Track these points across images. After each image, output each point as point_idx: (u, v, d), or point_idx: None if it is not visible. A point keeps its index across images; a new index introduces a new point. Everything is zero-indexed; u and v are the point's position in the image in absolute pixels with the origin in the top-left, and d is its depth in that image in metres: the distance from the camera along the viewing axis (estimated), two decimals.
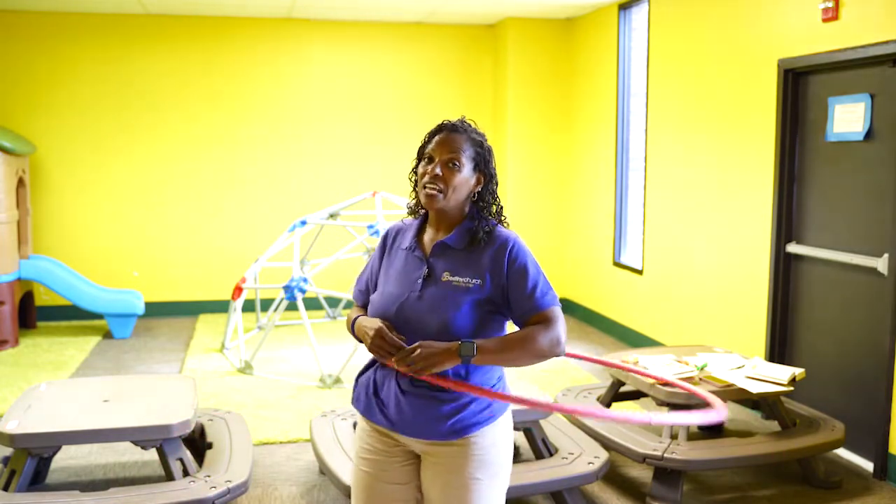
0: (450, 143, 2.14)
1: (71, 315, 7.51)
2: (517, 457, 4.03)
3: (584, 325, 7.55)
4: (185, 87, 7.67)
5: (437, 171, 2.11)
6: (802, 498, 3.88)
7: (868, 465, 4.23)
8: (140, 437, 3.41)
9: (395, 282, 2.18)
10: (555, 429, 3.99)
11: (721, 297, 5.48)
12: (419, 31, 8.03)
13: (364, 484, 2.22)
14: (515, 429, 3.55)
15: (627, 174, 6.95)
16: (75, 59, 7.46)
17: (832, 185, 4.54)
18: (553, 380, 5.51)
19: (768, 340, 4.96)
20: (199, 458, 3.84)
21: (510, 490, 2.53)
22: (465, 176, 2.14)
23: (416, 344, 2.01)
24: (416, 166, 2.22)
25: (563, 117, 7.90)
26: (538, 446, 3.81)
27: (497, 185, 2.23)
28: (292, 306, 6.78)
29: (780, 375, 3.95)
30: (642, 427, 4.05)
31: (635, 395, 4.56)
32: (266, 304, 7.57)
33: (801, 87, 4.73)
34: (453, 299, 2.08)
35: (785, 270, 4.87)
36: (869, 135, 4.22)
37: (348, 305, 7.63)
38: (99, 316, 7.29)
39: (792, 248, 4.81)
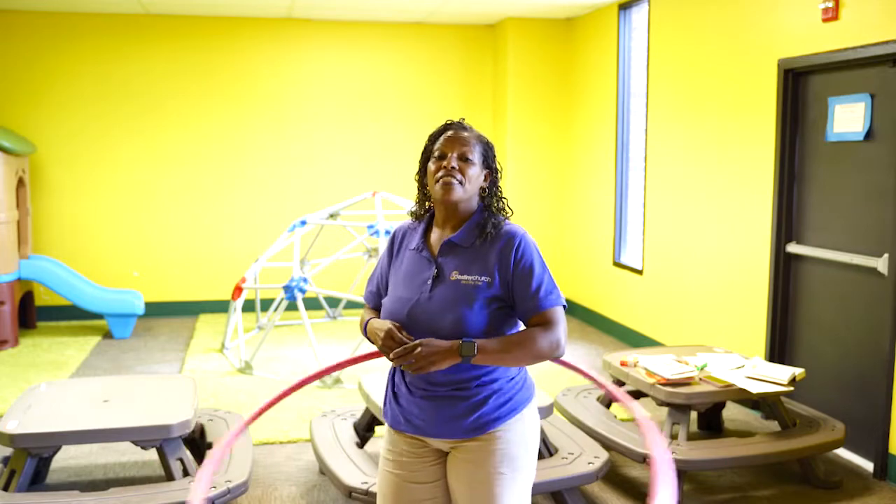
0: (460, 139, 2.19)
1: (71, 315, 7.51)
2: None
3: (584, 325, 7.54)
4: (185, 87, 7.67)
5: (454, 163, 2.14)
6: (802, 498, 3.88)
7: (868, 465, 4.23)
8: (140, 437, 3.41)
9: (405, 284, 2.19)
10: (555, 429, 3.98)
11: (721, 298, 5.48)
12: (419, 31, 8.03)
13: (393, 486, 2.23)
14: None
15: (627, 174, 6.94)
16: (75, 59, 7.46)
17: (832, 185, 4.54)
18: (553, 380, 5.51)
19: (768, 340, 4.96)
20: (199, 458, 3.84)
21: None
22: (476, 171, 2.18)
23: (417, 342, 2.03)
24: (423, 167, 2.24)
25: (563, 117, 7.90)
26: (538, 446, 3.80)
27: (500, 180, 2.28)
28: (292, 306, 6.78)
29: (780, 375, 3.94)
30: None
31: (635, 396, 4.55)
32: (266, 304, 7.57)
33: (801, 87, 4.73)
34: (464, 298, 2.10)
35: (785, 270, 4.87)
36: (869, 135, 4.22)
37: (348, 305, 7.64)
38: (99, 316, 7.28)
39: (792, 248, 4.81)
